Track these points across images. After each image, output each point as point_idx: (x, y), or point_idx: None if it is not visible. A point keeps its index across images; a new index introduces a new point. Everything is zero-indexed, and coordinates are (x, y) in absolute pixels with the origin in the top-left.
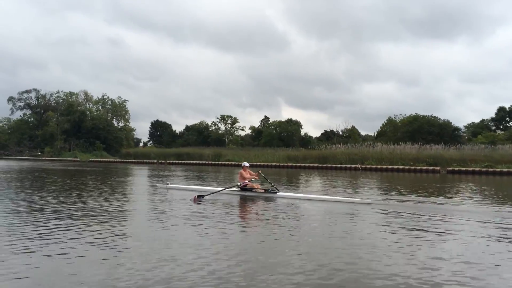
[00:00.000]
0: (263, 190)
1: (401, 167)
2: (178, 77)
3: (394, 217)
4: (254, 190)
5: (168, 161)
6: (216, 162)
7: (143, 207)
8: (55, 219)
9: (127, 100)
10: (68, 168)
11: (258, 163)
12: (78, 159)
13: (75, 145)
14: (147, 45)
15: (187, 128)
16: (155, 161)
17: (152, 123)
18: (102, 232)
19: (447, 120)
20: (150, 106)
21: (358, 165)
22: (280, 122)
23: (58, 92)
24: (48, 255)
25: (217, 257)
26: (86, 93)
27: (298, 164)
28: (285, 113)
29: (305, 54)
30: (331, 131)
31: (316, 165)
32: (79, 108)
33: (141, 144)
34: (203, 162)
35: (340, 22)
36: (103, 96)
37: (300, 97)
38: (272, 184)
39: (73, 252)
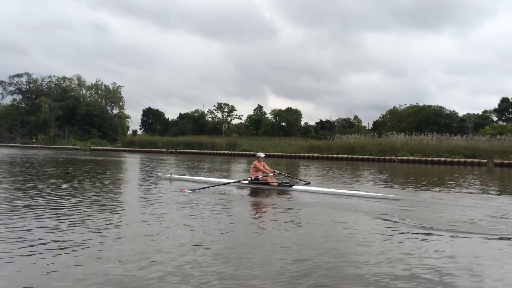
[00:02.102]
0: (276, 184)
1: (442, 159)
2: (164, 64)
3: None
4: (266, 183)
5: (178, 150)
6: (231, 152)
7: (140, 199)
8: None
9: (122, 86)
10: (76, 158)
11: (276, 154)
12: (78, 147)
13: (69, 132)
14: (132, 30)
15: (181, 116)
16: (165, 150)
17: (144, 110)
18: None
19: (453, 111)
20: (135, 93)
21: (393, 157)
22: (280, 110)
23: (50, 76)
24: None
25: (206, 252)
26: (79, 78)
27: (322, 155)
28: (272, 103)
29: (292, 43)
30: (327, 121)
31: (343, 156)
32: (72, 93)
33: (129, 132)
34: (217, 151)
35: (328, 11)
36: (96, 82)
37: (287, 86)
38: (286, 174)
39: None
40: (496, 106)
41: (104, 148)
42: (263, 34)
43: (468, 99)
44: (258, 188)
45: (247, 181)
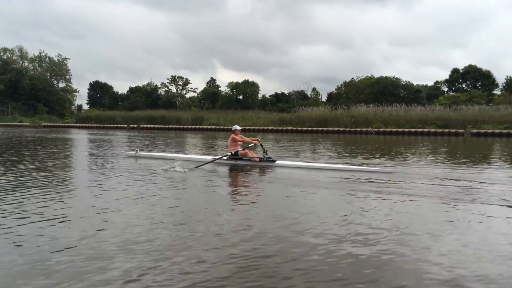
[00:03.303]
0: (258, 159)
1: (419, 130)
2: (106, 35)
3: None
4: (247, 159)
5: (141, 126)
6: (198, 127)
7: (100, 178)
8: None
9: (68, 58)
10: (28, 136)
11: (246, 127)
12: (27, 123)
13: (12, 108)
14: None
15: (132, 90)
16: (125, 126)
17: (91, 84)
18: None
19: (409, 82)
20: (76, 66)
21: (370, 129)
22: (237, 83)
23: None
24: None
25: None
26: (21, 50)
27: (296, 128)
28: (221, 76)
29: (240, 14)
30: (282, 94)
31: (318, 129)
32: (14, 66)
33: (73, 107)
34: (183, 126)
35: None
36: (40, 53)
37: (236, 58)
38: (265, 150)
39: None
40: (447, 77)
41: (56, 124)
42: (210, 4)
43: (411, 71)
44: (237, 165)
45: (226, 157)
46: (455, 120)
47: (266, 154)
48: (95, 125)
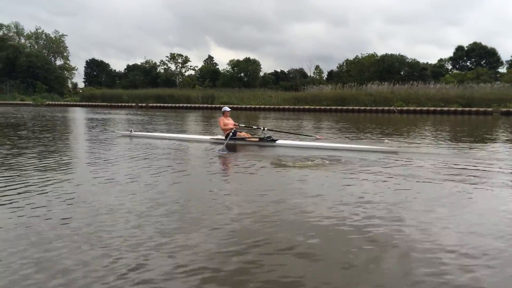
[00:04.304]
0: (257, 139)
1: (445, 109)
2: (98, 12)
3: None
4: (245, 140)
5: (150, 105)
6: (210, 106)
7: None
8: None
9: (65, 35)
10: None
11: (258, 106)
12: (30, 102)
13: (10, 87)
14: None
15: (129, 67)
16: (134, 104)
17: (87, 62)
18: None
19: (415, 59)
20: (68, 44)
21: (393, 107)
22: (238, 61)
23: None
24: None
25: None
26: (17, 26)
27: (314, 107)
28: (214, 53)
29: None
30: (282, 72)
31: (337, 108)
32: (10, 43)
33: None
34: (193, 105)
35: None
36: (36, 30)
37: (230, 36)
38: (263, 128)
39: None
40: (451, 55)
41: (61, 103)
42: None
43: (407, 49)
44: (236, 145)
45: (225, 141)
46: (478, 99)
47: (263, 129)
48: (101, 103)
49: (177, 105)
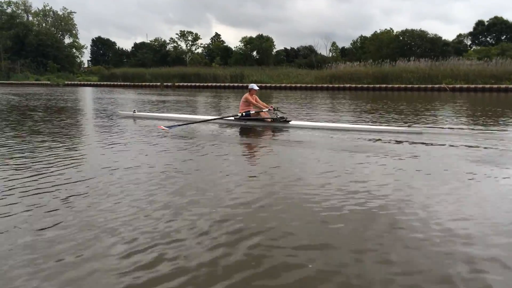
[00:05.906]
0: (270, 119)
1: (502, 86)
2: None
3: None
4: (258, 119)
5: (176, 84)
6: (239, 84)
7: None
8: None
9: (74, 12)
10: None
11: (290, 85)
12: (48, 82)
13: (21, 66)
14: None
15: (137, 46)
16: (159, 84)
17: (93, 40)
18: None
19: (437, 35)
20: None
21: (444, 85)
22: (251, 38)
23: None
24: None
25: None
26: (25, 3)
27: (355, 86)
28: (216, 31)
29: None
30: (292, 49)
31: (381, 86)
32: (19, 20)
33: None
34: (221, 84)
35: None
36: (44, 6)
37: (232, 13)
38: (276, 109)
39: None
40: (471, 30)
41: (80, 83)
42: None
43: (412, 24)
44: (247, 125)
45: (233, 118)
46: None
47: (275, 110)
48: (124, 83)
49: (204, 84)
